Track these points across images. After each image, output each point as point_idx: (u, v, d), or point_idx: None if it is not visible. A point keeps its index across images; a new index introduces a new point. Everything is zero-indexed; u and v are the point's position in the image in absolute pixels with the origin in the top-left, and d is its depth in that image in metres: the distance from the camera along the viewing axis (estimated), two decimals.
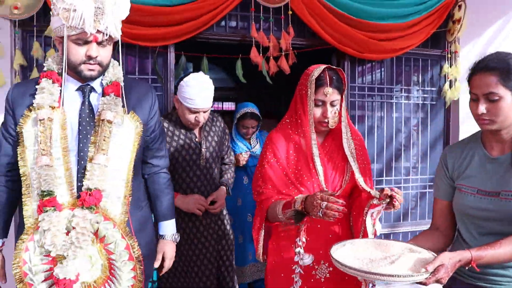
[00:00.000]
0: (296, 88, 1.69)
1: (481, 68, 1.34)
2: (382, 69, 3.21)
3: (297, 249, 1.58)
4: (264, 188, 1.63)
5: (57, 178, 1.39)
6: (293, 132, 1.68)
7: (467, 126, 3.03)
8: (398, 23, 2.90)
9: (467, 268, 1.29)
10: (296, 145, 1.65)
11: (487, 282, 1.40)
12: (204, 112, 2.21)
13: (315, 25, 2.73)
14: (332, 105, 1.61)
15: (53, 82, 1.46)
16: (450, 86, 3.19)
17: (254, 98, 3.34)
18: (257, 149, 3.03)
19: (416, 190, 3.33)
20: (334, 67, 1.65)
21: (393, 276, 1.19)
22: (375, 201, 1.50)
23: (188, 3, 2.50)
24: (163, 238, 1.75)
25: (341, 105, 1.66)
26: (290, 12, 2.70)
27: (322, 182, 1.61)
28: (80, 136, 1.45)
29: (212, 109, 2.46)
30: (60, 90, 1.47)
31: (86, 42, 1.41)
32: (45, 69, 1.50)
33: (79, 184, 1.43)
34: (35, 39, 2.42)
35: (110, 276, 1.43)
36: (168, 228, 1.76)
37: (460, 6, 3.04)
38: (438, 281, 1.23)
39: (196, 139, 2.29)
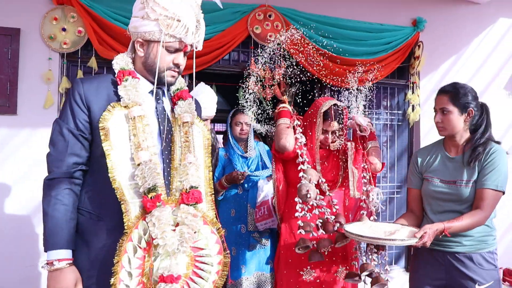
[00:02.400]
0: (307, 113, 2.15)
1: (440, 91, 1.94)
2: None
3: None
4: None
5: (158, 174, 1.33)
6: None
7: (427, 142, 3.48)
8: (369, 59, 3.51)
9: (441, 235, 1.72)
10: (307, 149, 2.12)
11: (442, 246, 1.89)
12: None
13: (302, 62, 3.34)
14: (333, 133, 2.11)
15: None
16: (413, 110, 3.80)
17: None
18: (252, 155, 2.93)
19: (386, 195, 3.88)
20: (338, 103, 2.11)
21: (392, 240, 1.62)
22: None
23: None
24: None
25: (345, 130, 2.15)
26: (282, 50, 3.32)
27: (321, 177, 2.07)
28: (163, 136, 1.45)
29: None
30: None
31: (177, 51, 1.42)
32: (115, 67, 1.45)
33: (166, 182, 1.40)
34: (79, 68, 3.00)
35: (191, 276, 1.36)
36: None
37: (419, 46, 3.70)
38: (424, 244, 1.65)
39: None
